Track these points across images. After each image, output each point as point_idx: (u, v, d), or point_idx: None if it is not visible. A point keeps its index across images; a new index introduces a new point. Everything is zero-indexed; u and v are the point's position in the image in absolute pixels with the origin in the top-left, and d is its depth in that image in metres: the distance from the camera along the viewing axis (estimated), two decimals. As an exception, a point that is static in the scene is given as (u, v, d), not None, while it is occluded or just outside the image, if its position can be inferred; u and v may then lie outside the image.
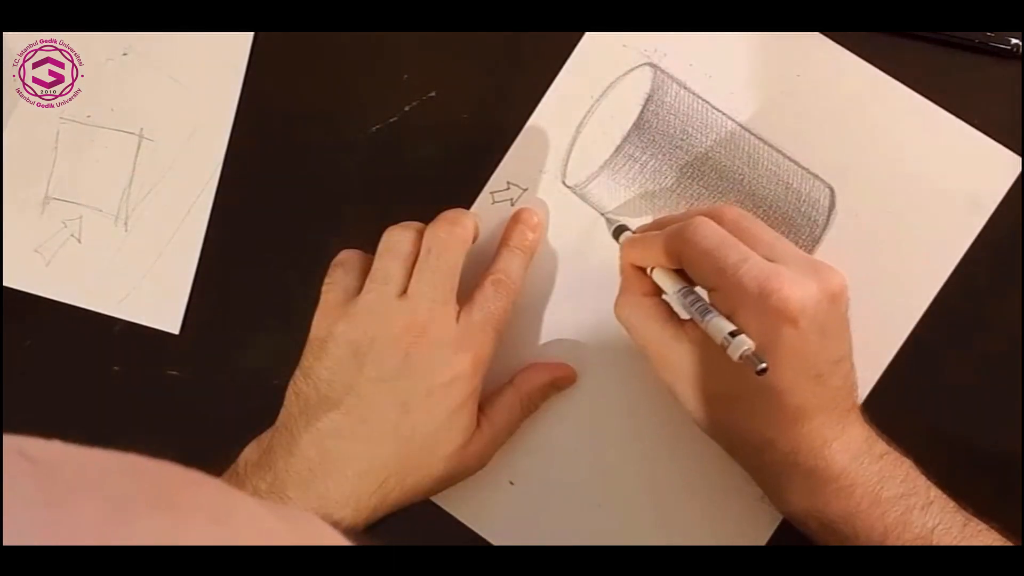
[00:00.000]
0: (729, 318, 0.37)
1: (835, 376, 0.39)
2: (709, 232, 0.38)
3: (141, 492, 0.19)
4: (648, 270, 0.42)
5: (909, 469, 0.39)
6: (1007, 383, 0.46)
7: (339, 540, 0.23)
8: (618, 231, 0.44)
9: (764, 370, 0.35)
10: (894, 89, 0.46)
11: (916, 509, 0.38)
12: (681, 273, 0.40)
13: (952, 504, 0.39)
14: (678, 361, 0.40)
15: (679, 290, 0.40)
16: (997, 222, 0.45)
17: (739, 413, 0.40)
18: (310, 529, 0.24)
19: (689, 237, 0.39)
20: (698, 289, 0.40)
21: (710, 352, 0.38)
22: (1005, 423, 0.45)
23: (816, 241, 0.46)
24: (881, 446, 0.40)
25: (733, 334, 0.36)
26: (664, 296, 0.42)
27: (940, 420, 0.45)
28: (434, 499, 0.45)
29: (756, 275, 0.37)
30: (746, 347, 0.35)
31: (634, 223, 0.45)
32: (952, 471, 0.40)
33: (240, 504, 0.22)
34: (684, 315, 0.40)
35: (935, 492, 0.39)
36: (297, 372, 0.43)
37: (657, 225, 0.43)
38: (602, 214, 0.46)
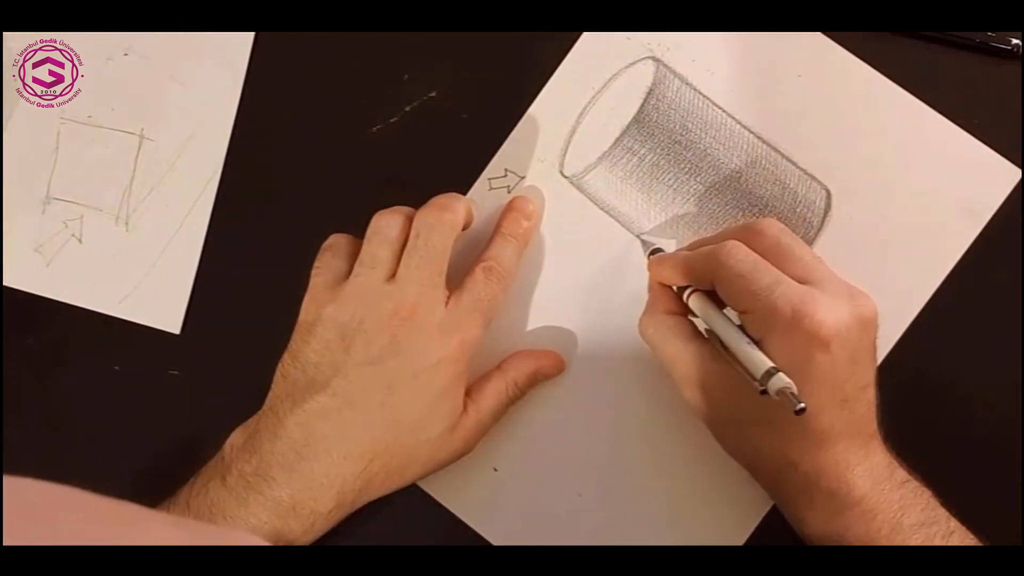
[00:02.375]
0: (760, 342, 0.37)
1: (860, 403, 0.39)
2: (742, 255, 0.39)
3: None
4: (685, 297, 0.42)
5: (929, 499, 0.39)
6: (999, 390, 0.46)
7: (250, 542, 0.24)
8: (653, 254, 0.45)
9: (803, 410, 0.34)
10: (894, 93, 0.46)
11: (937, 538, 0.38)
12: (712, 295, 0.40)
13: (971, 536, 0.39)
14: (702, 380, 0.40)
15: (709, 329, 0.40)
16: (992, 231, 0.45)
17: (762, 434, 0.40)
18: (212, 536, 0.25)
19: (723, 260, 0.39)
20: (728, 311, 0.40)
21: (737, 373, 0.38)
22: (998, 427, 0.45)
23: (810, 243, 0.46)
24: (902, 473, 0.40)
25: (771, 372, 0.36)
26: (692, 318, 0.42)
27: (932, 424, 0.45)
28: (418, 483, 0.45)
29: (790, 298, 0.37)
30: (785, 384, 0.35)
31: (667, 245, 0.46)
32: (947, 475, 0.40)
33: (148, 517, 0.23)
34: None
35: (955, 523, 0.39)
36: (285, 355, 0.43)
37: (690, 249, 0.43)
38: (637, 236, 0.46)
